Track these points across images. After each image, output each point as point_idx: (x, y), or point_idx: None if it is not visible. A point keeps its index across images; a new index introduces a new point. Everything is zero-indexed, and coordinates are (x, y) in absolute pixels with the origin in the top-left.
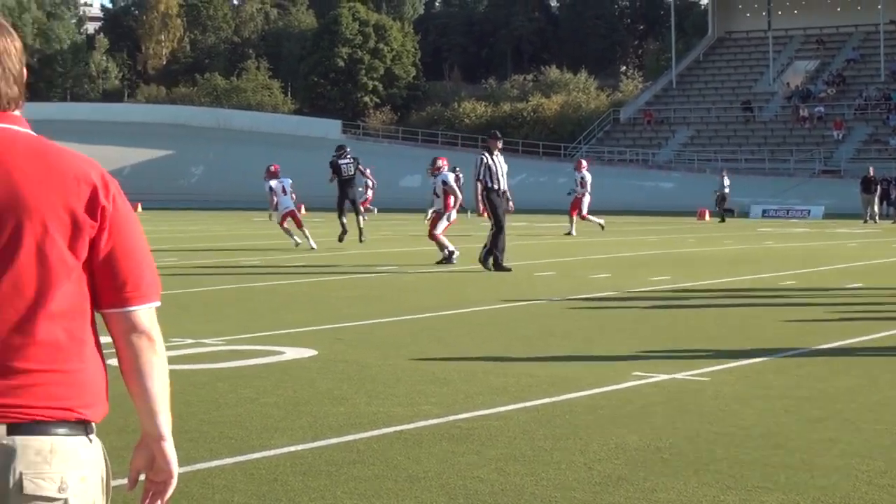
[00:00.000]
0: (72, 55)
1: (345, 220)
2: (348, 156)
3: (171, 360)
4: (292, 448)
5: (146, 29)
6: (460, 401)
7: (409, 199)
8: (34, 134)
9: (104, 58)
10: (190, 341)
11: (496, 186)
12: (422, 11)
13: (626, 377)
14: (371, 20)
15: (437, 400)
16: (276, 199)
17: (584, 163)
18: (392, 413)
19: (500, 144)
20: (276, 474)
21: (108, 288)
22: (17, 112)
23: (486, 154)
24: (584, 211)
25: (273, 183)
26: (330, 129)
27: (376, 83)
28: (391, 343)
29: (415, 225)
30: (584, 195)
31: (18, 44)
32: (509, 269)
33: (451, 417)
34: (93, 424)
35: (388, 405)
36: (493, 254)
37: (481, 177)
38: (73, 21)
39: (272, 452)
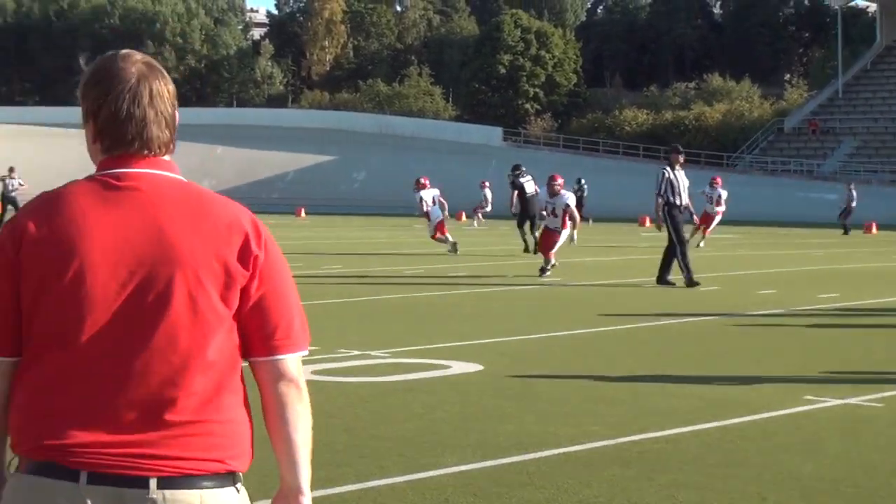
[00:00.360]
0: (238, 61)
1: (527, 237)
2: (526, 173)
3: (339, 372)
4: (462, 468)
5: (311, 35)
6: (628, 422)
7: None
8: (184, 180)
9: (269, 63)
10: (356, 353)
11: (677, 202)
12: (584, 18)
13: (797, 401)
14: (533, 27)
15: (605, 421)
16: (427, 210)
17: (720, 179)
18: (561, 434)
19: (681, 159)
20: (447, 495)
21: (257, 336)
22: (167, 157)
23: (668, 168)
24: (711, 227)
25: (423, 194)
26: (491, 135)
27: (537, 90)
28: (556, 359)
29: (580, 234)
30: (719, 213)
31: (171, 87)
32: (674, 285)
33: (620, 440)
34: (240, 474)
35: (557, 425)
36: (666, 269)
37: (663, 191)
38: (240, 27)
39: (442, 471)
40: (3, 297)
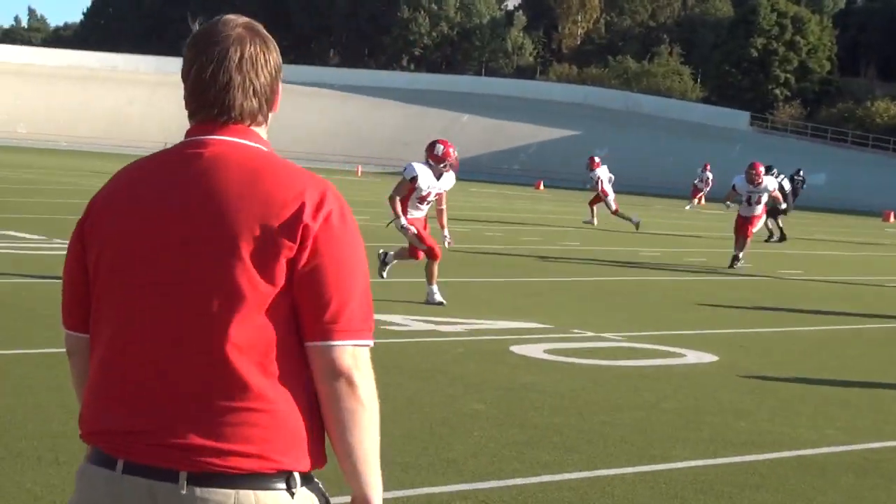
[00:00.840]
0: (490, 30)
1: (781, 225)
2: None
3: (573, 353)
4: (693, 463)
5: (564, 8)
6: (866, 428)
7: (812, 197)
8: (265, 150)
9: (521, 34)
10: (590, 334)
11: None
12: (843, 6)
13: None
14: (790, 12)
15: (842, 425)
16: (606, 189)
17: None
18: (795, 435)
19: None
20: (676, 490)
21: (307, 317)
22: (254, 127)
23: None
24: None
25: (600, 173)
26: (738, 119)
27: (788, 76)
28: (793, 355)
29: (822, 226)
30: None
31: (273, 56)
32: None
33: (857, 446)
34: (296, 475)
35: (791, 426)
36: None
37: None
38: None
39: (672, 465)
40: (70, 270)
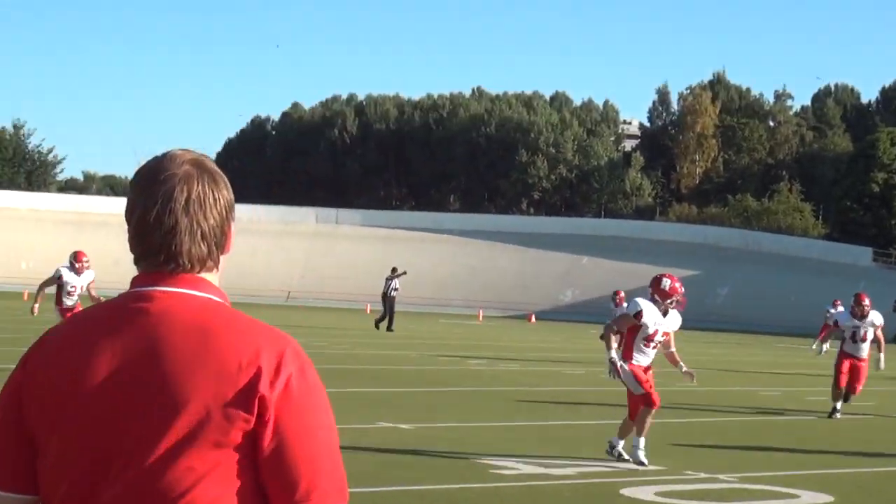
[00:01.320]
0: (608, 171)
1: None
2: None
3: (685, 495)
4: None
5: (682, 148)
6: None
7: None
8: (217, 300)
9: (639, 175)
10: (703, 475)
11: None
12: None
13: None
14: None
15: None
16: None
17: None
18: None
19: None
20: None
21: (275, 497)
22: (205, 273)
23: None
24: None
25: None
26: (860, 256)
27: None
28: None
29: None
30: None
31: (223, 194)
32: None
33: None
34: None
35: None
36: None
37: None
38: (612, 139)
39: None
40: (2, 424)
